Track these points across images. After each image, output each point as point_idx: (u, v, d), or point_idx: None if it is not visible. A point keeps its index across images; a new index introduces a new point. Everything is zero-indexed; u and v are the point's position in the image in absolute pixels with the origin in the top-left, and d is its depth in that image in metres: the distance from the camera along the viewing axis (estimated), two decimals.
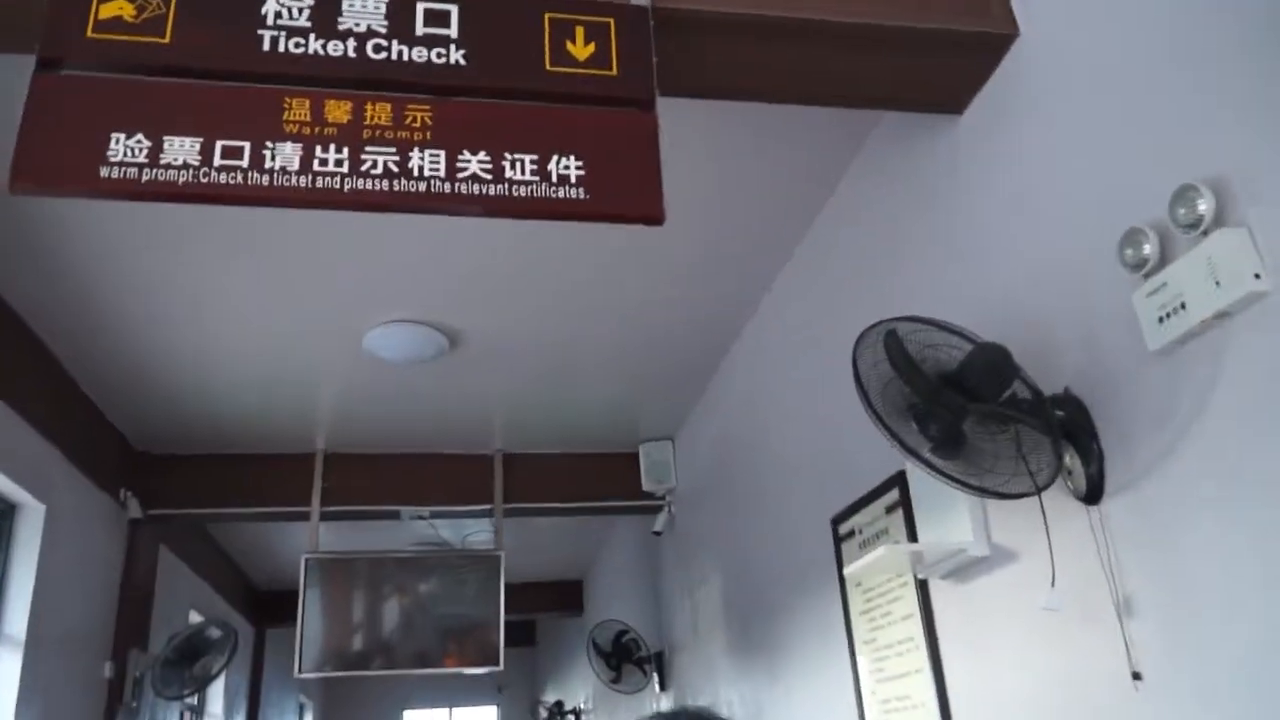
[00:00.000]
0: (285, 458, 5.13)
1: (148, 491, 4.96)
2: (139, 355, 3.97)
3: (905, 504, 2.59)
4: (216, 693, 7.04)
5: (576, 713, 8.49)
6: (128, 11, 1.82)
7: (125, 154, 1.69)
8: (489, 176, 1.80)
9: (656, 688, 5.71)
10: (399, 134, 1.81)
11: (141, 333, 3.78)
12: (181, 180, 1.70)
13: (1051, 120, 2.06)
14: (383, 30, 1.89)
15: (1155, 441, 1.70)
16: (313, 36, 1.86)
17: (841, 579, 2.97)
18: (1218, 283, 1.52)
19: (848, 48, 2.21)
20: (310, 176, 1.74)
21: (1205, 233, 1.56)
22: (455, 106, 1.87)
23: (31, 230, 3.07)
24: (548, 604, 9.01)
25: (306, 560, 4.98)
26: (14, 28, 1.88)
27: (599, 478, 5.43)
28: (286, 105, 1.80)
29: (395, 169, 1.77)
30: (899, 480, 2.62)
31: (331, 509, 5.13)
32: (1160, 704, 1.67)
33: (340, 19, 1.89)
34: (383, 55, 1.87)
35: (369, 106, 1.83)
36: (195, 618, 6.13)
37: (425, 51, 1.89)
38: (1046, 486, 1.81)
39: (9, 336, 3.61)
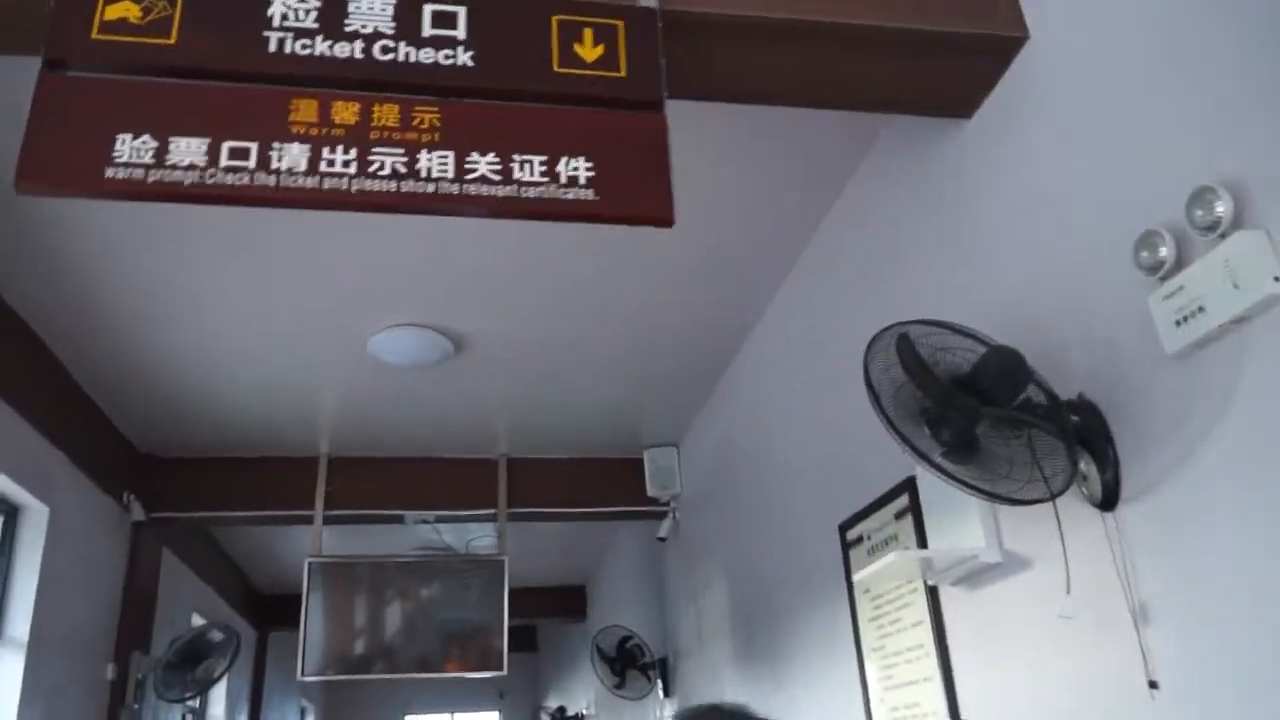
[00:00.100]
0: (289, 461, 5.11)
1: (151, 494, 4.95)
2: (142, 357, 3.96)
3: (915, 510, 2.57)
4: (219, 696, 7.02)
5: (579, 718, 8.45)
6: (133, 13, 1.81)
7: (131, 155, 1.68)
8: (498, 178, 1.79)
9: (660, 694, 5.68)
10: (407, 135, 1.80)
11: (145, 335, 3.77)
12: (188, 181, 1.69)
13: (1063, 123, 2.05)
14: (390, 32, 1.88)
15: (1172, 446, 1.68)
16: (320, 38, 1.85)
17: (850, 585, 2.95)
18: (1236, 285, 1.50)
19: (856, 50, 2.19)
20: (318, 177, 1.73)
21: (1223, 235, 1.54)
22: (463, 108, 1.86)
23: (34, 231, 3.06)
24: (550, 609, 8.98)
25: (309, 564, 4.97)
26: (19, 29, 1.88)
27: (603, 483, 5.41)
28: (293, 106, 1.79)
29: (403, 170, 1.76)
30: (908, 486, 2.60)
31: (335, 513, 5.12)
32: (1177, 713, 1.65)
33: (347, 21, 1.87)
34: (390, 57, 1.86)
35: (376, 108, 1.82)
36: (198, 621, 6.12)
37: (433, 53, 1.88)
38: (1061, 492, 1.79)
39: (12, 339, 3.60)
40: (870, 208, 2.96)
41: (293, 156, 1.74)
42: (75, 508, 4.26)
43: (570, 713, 8.75)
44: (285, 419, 4.74)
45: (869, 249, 2.96)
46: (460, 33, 1.90)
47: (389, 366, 4.05)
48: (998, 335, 1.92)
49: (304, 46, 1.82)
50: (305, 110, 1.78)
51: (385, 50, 1.86)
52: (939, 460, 1.87)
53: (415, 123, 1.81)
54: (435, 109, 1.83)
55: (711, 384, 4.58)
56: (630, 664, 5.82)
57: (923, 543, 2.51)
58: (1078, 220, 1.97)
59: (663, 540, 5.46)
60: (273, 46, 1.81)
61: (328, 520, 5.10)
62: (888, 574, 2.53)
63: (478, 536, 6.18)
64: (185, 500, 5.12)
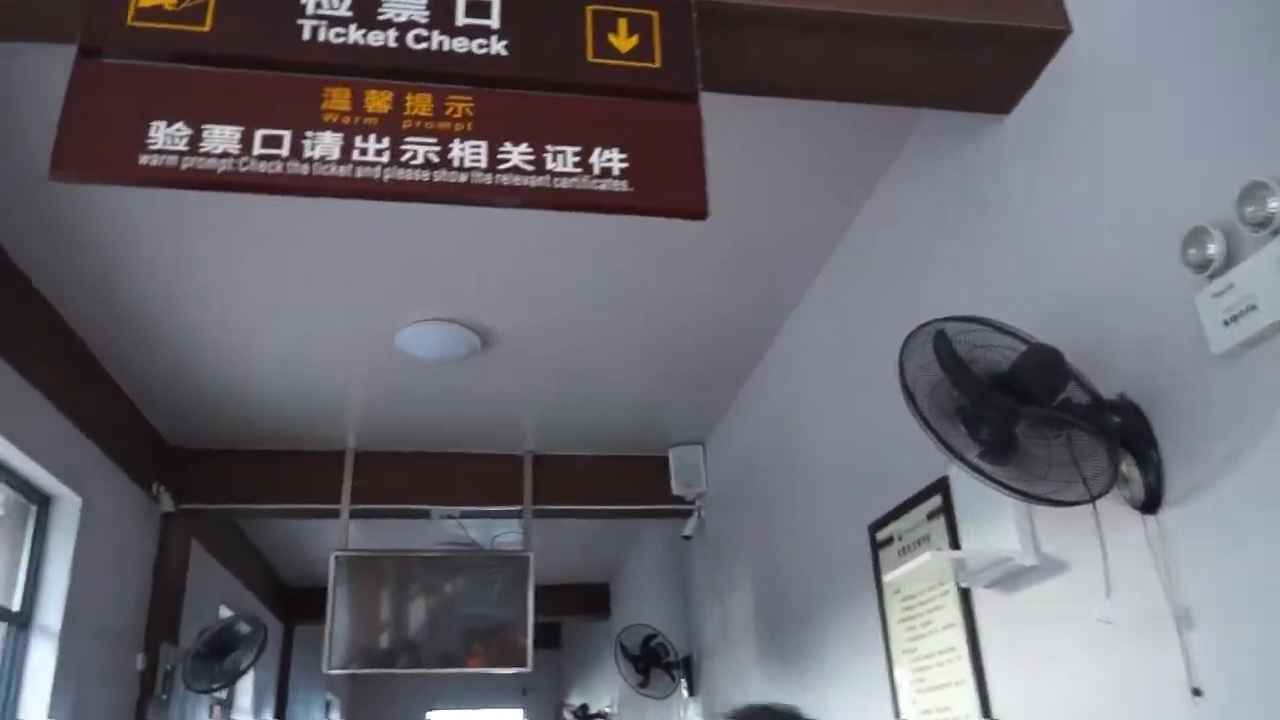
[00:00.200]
0: (316, 455, 5.13)
1: (180, 486, 4.99)
2: (172, 349, 3.98)
3: (947, 510, 2.53)
4: (245, 688, 7.07)
5: (602, 716, 8.44)
6: (168, 0, 1.81)
7: (165, 142, 1.68)
8: (530, 168, 1.77)
9: (685, 693, 5.66)
10: (440, 125, 1.78)
11: (175, 326, 3.80)
12: (221, 169, 1.68)
13: (1106, 118, 2.00)
14: (424, 21, 1.87)
15: (1218, 448, 1.64)
16: (353, 26, 1.84)
17: (879, 586, 2.91)
18: None
19: (892, 43, 2.15)
20: (350, 166, 1.72)
21: (1276, 232, 1.49)
22: (496, 98, 1.84)
23: (66, 222, 3.08)
24: (574, 607, 8.98)
25: (336, 558, 4.99)
26: (55, 18, 1.88)
27: (629, 481, 5.39)
28: (326, 95, 1.78)
29: (436, 159, 1.75)
30: (941, 486, 2.56)
31: (361, 507, 5.13)
32: None
33: (381, 9, 1.86)
34: (423, 46, 1.85)
35: (409, 97, 1.81)
36: (225, 612, 6.16)
37: (466, 42, 1.87)
38: (1102, 494, 1.75)
39: (47, 332, 3.63)
40: (904, 205, 2.92)
41: (325, 145, 1.73)
42: (106, 498, 4.30)
43: (593, 710, 8.74)
44: (313, 412, 4.76)
45: (902, 246, 2.92)
46: (494, 22, 1.89)
47: (416, 361, 4.05)
48: (1036, 334, 1.88)
49: (338, 35, 1.82)
50: (338, 99, 1.78)
51: (419, 39, 1.84)
52: (975, 460, 1.84)
53: (448, 112, 1.80)
54: (468, 98, 1.82)
55: (739, 382, 4.54)
56: (654, 662, 5.80)
57: (955, 544, 2.47)
58: (1122, 217, 1.92)
59: (688, 539, 5.43)
60: (306, 35, 1.81)
61: (354, 514, 5.12)
62: (920, 575, 2.49)
63: (503, 533, 6.19)
64: (213, 492, 5.15)
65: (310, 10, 1.83)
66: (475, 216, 3.12)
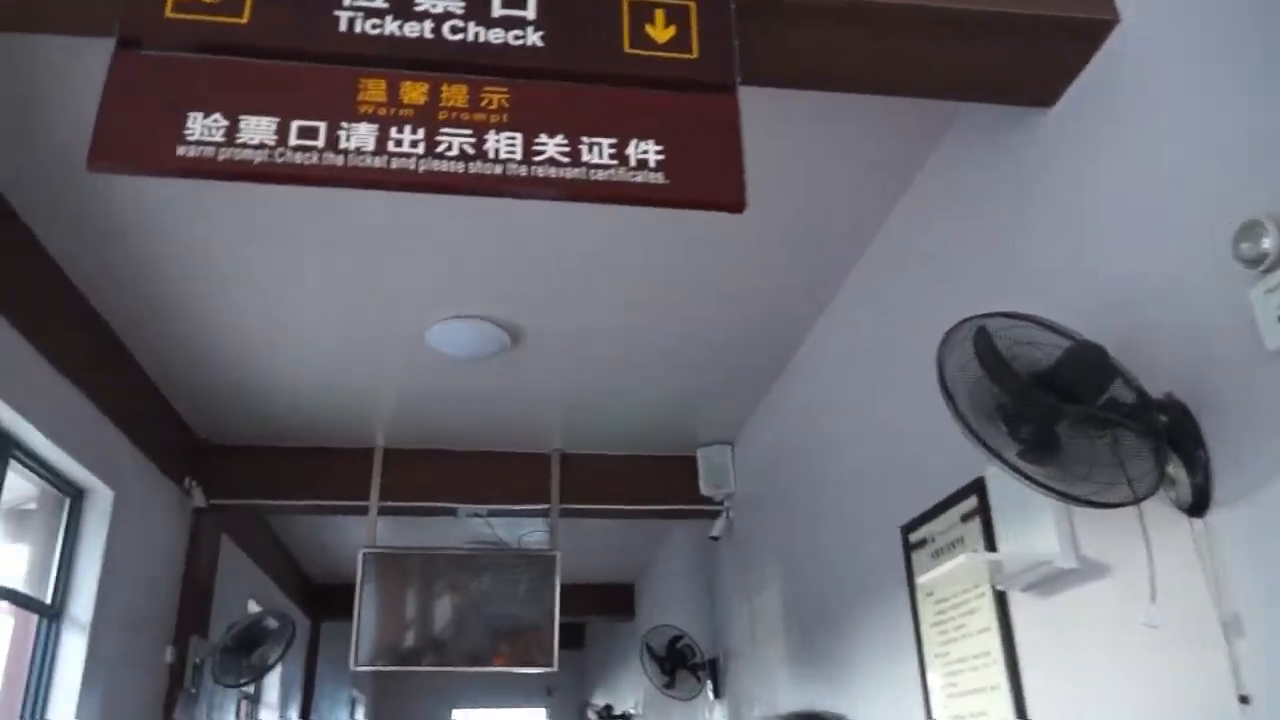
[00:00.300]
0: (346, 452, 5.14)
1: (212, 480, 5.03)
2: (205, 344, 4.01)
3: (983, 512, 2.48)
4: (272, 683, 7.11)
5: (626, 717, 8.42)
6: None
7: (202, 133, 1.68)
8: (566, 160, 1.75)
9: (711, 695, 5.63)
10: (475, 116, 1.77)
11: (208, 320, 3.82)
12: (257, 160, 1.68)
13: (1155, 109, 1.96)
14: (460, 11, 1.86)
15: (1270, 449, 1.59)
16: (389, 17, 1.83)
17: (912, 589, 2.87)
18: None
19: (934, 34, 2.12)
20: (385, 157, 1.71)
21: None
22: (532, 89, 1.83)
23: (101, 214, 3.10)
24: (598, 607, 8.97)
25: (364, 554, 5.00)
26: (93, 11, 1.89)
27: (656, 481, 5.37)
28: (362, 86, 1.78)
29: (471, 151, 1.73)
30: (976, 487, 2.52)
31: (389, 504, 5.15)
32: None
33: (417, 0, 1.85)
34: (459, 37, 1.84)
35: (445, 88, 1.80)
36: (253, 607, 6.20)
37: (502, 33, 1.86)
38: (1147, 496, 1.71)
39: (80, 324, 3.66)
40: (941, 200, 2.88)
41: (361, 136, 1.72)
42: (139, 492, 4.33)
43: (618, 711, 8.72)
44: (343, 409, 4.77)
45: (940, 242, 2.88)
46: (530, 13, 1.87)
47: (446, 358, 4.05)
48: (1080, 330, 1.83)
49: (374, 26, 1.81)
50: (374, 90, 1.77)
51: (455, 30, 1.83)
52: (1014, 459, 1.80)
53: (484, 103, 1.79)
54: (504, 90, 1.80)
55: (769, 381, 4.51)
56: (681, 664, 5.77)
57: (991, 546, 2.43)
58: (1171, 211, 1.88)
59: (715, 539, 5.40)
60: (343, 26, 1.80)
61: (382, 511, 5.13)
62: (955, 577, 2.45)
63: (529, 531, 6.18)
64: (244, 487, 5.19)
65: (347, 2, 1.82)
66: (506, 213, 3.12)
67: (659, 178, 1.77)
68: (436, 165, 1.72)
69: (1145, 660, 1.87)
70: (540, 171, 1.75)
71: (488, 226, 3.21)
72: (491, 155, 1.74)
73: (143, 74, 1.75)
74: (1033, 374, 1.80)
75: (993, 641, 2.42)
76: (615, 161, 1.77)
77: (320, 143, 1.71)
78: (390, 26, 1.82)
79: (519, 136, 1.76)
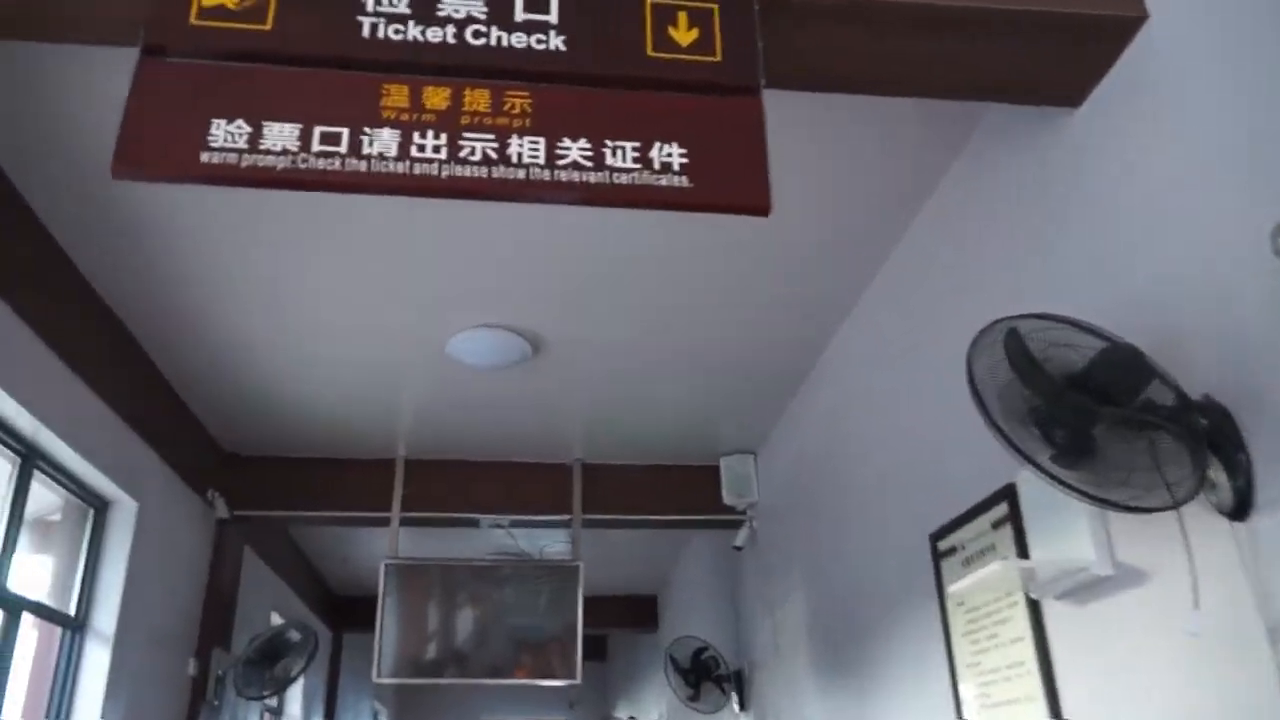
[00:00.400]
0: (367, 463, 5.15)
1: (234, 492, 5.04)
2: (228, 356, 4.02)
3: (1015, 519, 2.44)
4: (295, 695, 7.12)
5: None
6: (231, 0, 1.81)
7: (226, 139, 1.68)
8: (589, 164, 1.74)
9: (736, 707, 5.57)
10: (498, 121, 1.76)
11: (230, 333, 3.83)
12: (280, 166, 1.68)
13: (1185, 107, 1.92)
14: (482, 17, 1.85)
15: None
16: (412, 23, 1.83)
17: (942, 598, 2.82)
18: None
19: (959, 35, 2.10)
20: (408, 163, 1.70)
21: None
22: (555, 93, 1.82)
23: (126, 226, 3.12)
24: (621, 619, 8.92)
25: (386, 566, 4.99)
26: (118, 19, 1.89)
27: (679, 490, 5.34)
28: (385, 92, 1.77)
29: (494, 156, 1.72)
30: (1007, 494, 2.47)
31: (411, 515, 5.14)
32: None
33: (440, 6, 1.85)
34: (482, 42, 1.84)
35: (467, 93, 1.79)
36: (276, 619, 6.20)
37: (525, 38, 1.85)
38: (1186, 500, 1.66)
39: (109, 340, 3.68)
40: (967, 203, 2.84)
41: (383, 142, 1.72)
42: (163, 503, 4.35)
43: None
44: (365, 420, 4.78)
45: (966, 246, 2.84)
46: (553, 17, 1.86)
47: (467, 367, 4.04)
48: (1114, 332, 1.80)
49: (396, 31, 1.81)
50: (396, 95, 1.77)
51: (477, 35, 1.83)
52: (1046, 464, 1.76)
53: (506, 108, 1.78)
54: (527, 94, 1.80)
55: (792, 389, 4.47)
56: (705, 675, 5.71)
57: (1023, 553, 2.38)
58: (1206, 209, 1.84)
59: (739, 549, 5.36)
60: (366, 31, 1.80)
61: (404, 522, 5.12)
62: (987, 586, 2.41)
63: (551, 542, 6.16)
64: (266, 499, 5.20)
65: (370, 7, 1.82)
66: (528, 221, 3.12)
67: (683, 181, 1.75)
68: (459, 170, 1.71)
69: (1186, 668, 1.82)
70: (564, 176, 1.73)
71: (509, 235, 3.21)
72: (515, 160, 1.73)
73: (167, 81, 1.76)
74: (1066, 376, 1.77)
75: (1027, 651, 2.37)
76: (639, 165, 1.75)
77: (343, 149, 1.70)
78: (413, 32, 1.82)
79: (542, 141, 1.75)
